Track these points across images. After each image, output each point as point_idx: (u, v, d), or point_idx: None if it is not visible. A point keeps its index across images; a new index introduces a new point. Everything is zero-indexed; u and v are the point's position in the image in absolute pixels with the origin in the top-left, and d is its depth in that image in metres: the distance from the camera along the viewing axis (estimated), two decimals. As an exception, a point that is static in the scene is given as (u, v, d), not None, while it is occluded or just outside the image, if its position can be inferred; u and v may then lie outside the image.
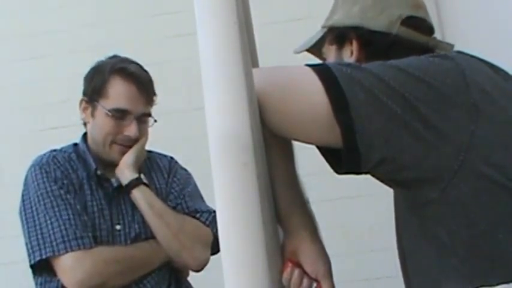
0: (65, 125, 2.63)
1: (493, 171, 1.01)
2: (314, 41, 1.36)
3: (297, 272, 1.13)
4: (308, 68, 1.06)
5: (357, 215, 2.78)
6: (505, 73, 1.15)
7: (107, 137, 1.75)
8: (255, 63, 1.25)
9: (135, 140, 1.76)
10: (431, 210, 1.03)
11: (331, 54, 1.32)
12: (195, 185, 1.89)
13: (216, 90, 0.88)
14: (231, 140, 0.86)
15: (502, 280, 0.99)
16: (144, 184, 1.73)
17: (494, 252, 1.01)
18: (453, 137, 1.01)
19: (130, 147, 1.75)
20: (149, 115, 1.81)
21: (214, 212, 1.75)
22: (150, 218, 1.70)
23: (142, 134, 1.78)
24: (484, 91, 1.05)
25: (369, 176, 1.08)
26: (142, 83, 1.78)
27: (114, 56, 1.85)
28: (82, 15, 3.10)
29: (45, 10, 3.11)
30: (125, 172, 1.73)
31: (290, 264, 1.13)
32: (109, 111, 1.73)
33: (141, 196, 1.71)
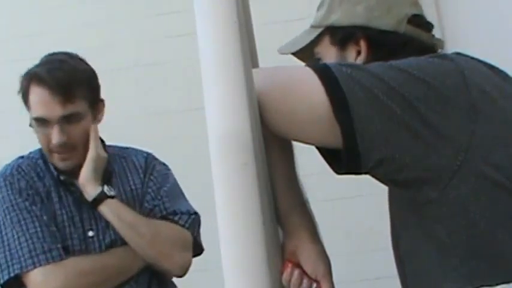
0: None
1: (493, 171, 1.01)
2: (307, 41, 1.30)
3: (296, 272, 1.13)
4: (308, 68, 1.06)
5: (357, 215, 2.78)
6: (505, 74, 1.15)
7: (43, 147, 1.67)
8: (255, 63, 1.25)
9: (70, 145, 1.63)
10: (431, 210, 1.03)
11: (330, 54, 1.27)
12: (174, 182, 1.79)
13: (216, 90, 0.88)
14: (231, 140, 0.86)
15: (502, 280, 1.00)
16: (110, 197, 1.63)
17: (494, 252, 1.01)
18: (453, 137, 1.01)
19: (68, 152, 1.64)
20: (77, 114, 1.64)
21: (195, 213, 1.74)
22: (122, 230, 1.62)
23: (77, 136, 1.65)
24: (483, 91, 1.05)
25: (368, 176, 1.08)
26: (54, 86, 1.60)
27: (46, 56, 1.72)
28: (82, 15, 3.10)
29: (45, 10, 3.11)
30: (87, 189, 1.63)
31: (290, 265, 1.13)
32: (33, 121, 1.65)
33: (108, 210, 1.62)
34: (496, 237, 1.01)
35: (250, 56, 1.11)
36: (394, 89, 1.01)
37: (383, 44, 1.22)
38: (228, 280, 0.83)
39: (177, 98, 2.89)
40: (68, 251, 1.61)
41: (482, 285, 0.99)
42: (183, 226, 1.70)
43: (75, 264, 1.59)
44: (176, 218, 1.70)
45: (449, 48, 1.30)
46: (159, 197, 1.72)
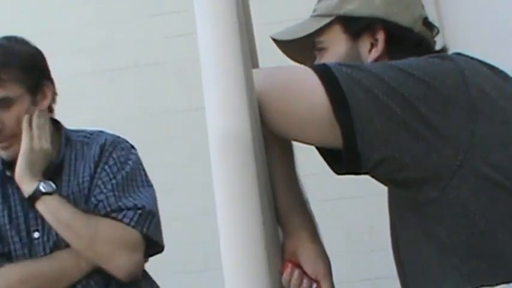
0: (65, 125, 2.64)
1: (493, 171, 1.01)
2: (314, 28, 1.27)
3: (296, 272, 1.13)
4: (308, 68, 1.06)
5: (357, 215, 2.78)
6: (505, 74, 1.15)
7: None
8: (255, 63, 1.25)
9: (5, 132, 1.52)
10: (431, 210, 1.03)
11: (340, 44, 1.25)
12: (131, 171, 1.60)
13: (216, 90, 0.88)
14: (231, 140, 0.86)
15: (502, 280, 0.99)
16: (46, 193, 1.49)
17: (494, 252, 1.01)
18: (453, 137, 1.01)
19: (5, 140, 1.54)
20: (7, 99, 1.52)
21: (143, 207, 1.53)
22: (59, 231, 1.49)
23: (11, 122, 1.53)
24: (483, 92, 1.05)
25: (368, 176, 1.08)
26: None
27: None
28: (82, 15, 3.10)
29: (45, 10, 3.11)
30: (22, 186, 1.52)
31: (290, 265, 1.13)
32: None
33: (44, 209, 1.48)
34: (496, 237, 1.01)
35: (250, 56, 1.11)
36: (394, 89, 1.01)
37: (401, 39, 1.22)
38: (228, 280, 0.83)
39: (177, 98, 2.89)
40: (10, 257, 1.51)
41: (482, 285, 0.99)
42: (127, 224, 1.51)
43: (7, 273, 1.48)
44: (120, 216, 1.52)
45: (449, 48, 1.29)
46: (105, 191, 1.54)
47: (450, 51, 1.24)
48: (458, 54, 1.15)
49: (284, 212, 1.14)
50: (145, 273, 1.64)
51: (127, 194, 1.55)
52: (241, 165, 0.86)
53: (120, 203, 1.53)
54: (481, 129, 1.02)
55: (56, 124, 1.66)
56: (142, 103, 2.97)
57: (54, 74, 2.75)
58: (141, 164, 1.65)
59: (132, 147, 1.66)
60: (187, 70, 2.51)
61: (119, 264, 1.49)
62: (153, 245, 1.59)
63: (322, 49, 1.27)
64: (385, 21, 1.22)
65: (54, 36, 3.04)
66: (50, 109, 1.65)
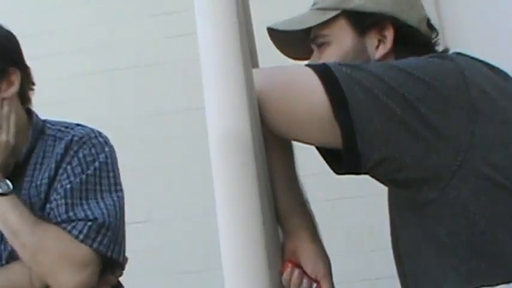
0: (65, 125, 2.63)
1: (493, 172, 1.01)
2: (319, 21, 1.24)
3: (296, 272, 1.13)
4: (308, 68, 1.06)
5: (357, 215, 2.78)
6: (505, 74, 1.15)
7: None
8: (255, 63, 1.25)
9: None
10: (431, 210, 1.03)
11: (345, 38, 1.23)
12: (95, 172, 1.40)
13: (216, 90, 0.88)
14: (231, 140, 0.86)
15: (502, 280, 1.00)
16: (0, 194, 1.34)
17: (494, 252, 1.01)
18: (453, 137, 1.01)
19: None
20: None
21: (95, 218, 1.34)
22: (8, 238, 1.35)
23: None
24: (483, 91, 1.05)
25: (368, 176, 1.09)
26: None
27: None
28: (82, 15, 3.10)
29: (45, 10, 3.11)
30: None
31: (290, 265, 1.13)
32: None
33: None
34: (496, 237, 1.01)
35: (250, 56, 1.11)
36: (394, 89, 1.01)
37: (408, 38, 1.21)
38: (228, 280, 0.83)
39: (177, 98, 2.89)
40: None
41: (483, 285, 0.99)
42: (76, 237, 1.33)
43: None
44: (69, 227, 1.34)
45: (450, 48, 1.29)
46: (58, 198, 1.37)
47: (450, 51, 1.24)
48: (459, 54, 1.15)
49: (284, 212, 1.15)
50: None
51: (83, 201, 1.37)
52: (241, 165, 0.86)
53: (70, 213, 1.35)
54: (481, 129, 1.02)
55: (29, 114, 1.50)
56: (142, 103, 2.97)
57: (53, 74, 2.76)
58: (113, 164, 1.45)
59: (107, 143, 1.47)
60: (187, 70, 2.51)
61: (62, 281, 1.32)
62: (111, 262, 1.40)
63: (324, 43, 1.25)
64: (394, 18, 1.21)
65: (54, 36, 3.05)
66: (25, 98, 1.50)
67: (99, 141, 1.44)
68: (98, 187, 1.40)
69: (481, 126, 1.02)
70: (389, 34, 1.21)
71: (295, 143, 1.14)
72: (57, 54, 3.02)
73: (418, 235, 1.07)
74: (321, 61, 1.22)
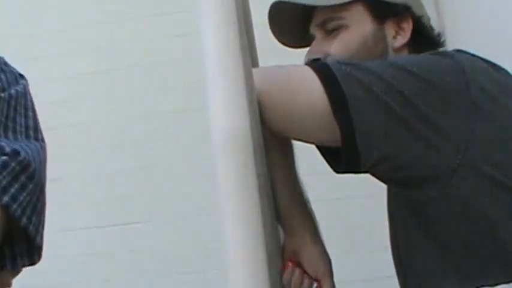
0: (65, 125, 2.64)
1: (493, 170, 1.01)
2: (340, 1, 1.19)
3: (297, 271, 1.13)
4: (307, 67, 1.06)
5: (357, 215, 2.78)
6: (506, 72, 1.15)
7: None
8: (255, 63, 1.24)
9: None
10: (431, 209, 1.03)
11: (363, 24, 1.19)
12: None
13: (216, 90, 0.88)
14: (231, 140, 0.86)
15: (502, 280, 0.99)
16: None
17: (494, 252, 1.01)
18: (453, 135, 1.01)
19: None
20: None
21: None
22: None
23: None
24: (484, 89, 1.05)
25: (368, 176, 1.08)
26: None
27: None
28: (82, 15, 3.10)
29: (45, 10, 3.11)
30: None
31: (290, 264, 1.13)
32: None
33: None
34: (496, 236, 1.01)
35: (250, 56, 1.11)
36: (394, 86, 1.01)
37: (424, 34, 1.22)
38: (228, 280, 0.83)
39: (177, 98, 2.89)
40: None
41: (483, 285, 0.99)
42: None
43: None
44: None
45: (449, 48, 1.29)
46: None
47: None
48: (459, 51, 1.15)
49: (285, 212, 1.14)
50: None
51: None
52: (241, 165, 0.86)
53: None
54: (482, 128, 1.02)
55: None
56: (142, 103, 2.96)
57: (53, 74, 2.76)
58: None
59: (21, 76, 1.24)
60: (187, 70, 2.51)
61: None
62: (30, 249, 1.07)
63: (340, 27, 1.20)
64: (414, 12, 1.21)
65: (54, 36, 3.05)
66: None
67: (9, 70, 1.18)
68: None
69: (482, 125, 1.02)
70: (408, 27, 1.20)
71: (295, 143, 1.14)
72: (57, 54, 3.02)
73: (418, 235, 1.06)
74: (335, 45, 1.19)
